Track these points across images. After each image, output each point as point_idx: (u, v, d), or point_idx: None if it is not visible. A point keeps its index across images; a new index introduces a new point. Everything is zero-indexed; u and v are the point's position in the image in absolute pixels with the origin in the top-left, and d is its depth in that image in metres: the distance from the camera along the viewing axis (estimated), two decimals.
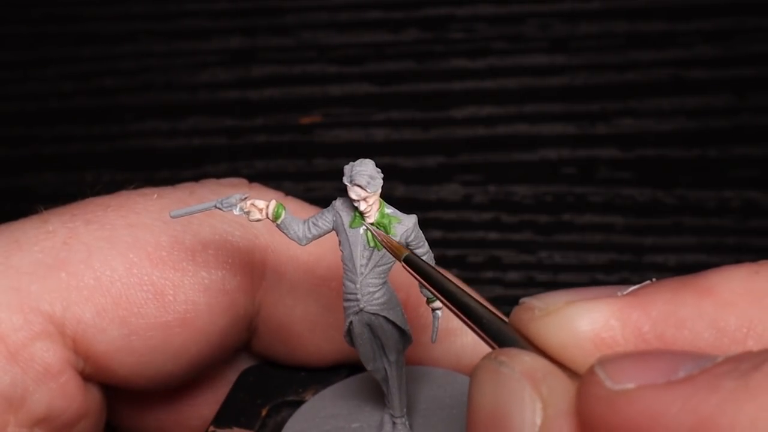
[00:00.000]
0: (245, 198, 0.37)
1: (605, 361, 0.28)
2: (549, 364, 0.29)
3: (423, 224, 0.37)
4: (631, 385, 0.27)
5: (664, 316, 0.29)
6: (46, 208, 0.43)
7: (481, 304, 0.32)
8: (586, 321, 0.30)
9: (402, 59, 0.81)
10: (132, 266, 0.41)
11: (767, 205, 0.76)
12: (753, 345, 0.29)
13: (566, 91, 0.79)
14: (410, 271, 0.35)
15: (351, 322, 0.38)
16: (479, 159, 0.79)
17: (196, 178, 0.47)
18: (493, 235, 0.78)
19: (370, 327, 0.38)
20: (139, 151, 0.82)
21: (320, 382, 0.45)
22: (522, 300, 0.31)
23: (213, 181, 0.46)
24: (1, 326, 0.39)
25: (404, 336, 0.38)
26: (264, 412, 0.44)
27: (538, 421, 0.28)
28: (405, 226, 0.37)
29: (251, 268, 0.44)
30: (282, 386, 0.45)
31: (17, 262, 0.40)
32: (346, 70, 0.81)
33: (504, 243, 0.77)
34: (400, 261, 0.35)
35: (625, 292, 0.30)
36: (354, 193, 0.36)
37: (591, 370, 0.28)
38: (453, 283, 0.33)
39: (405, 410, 0.40)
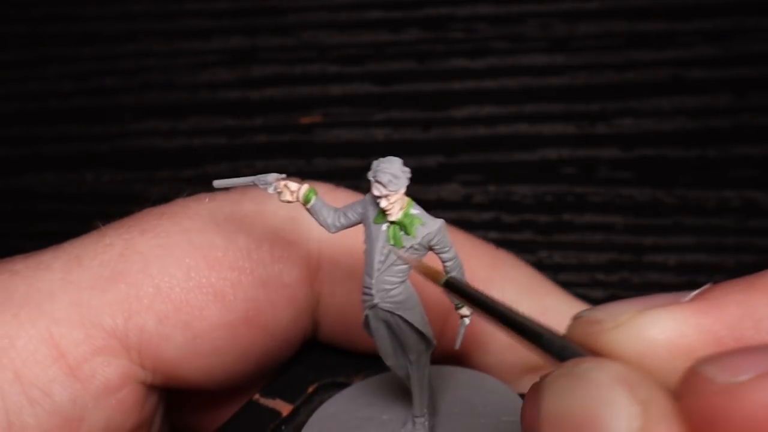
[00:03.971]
0: (281, 178, 0.38)
1: (709, 361, 0.27)
2: (638, 369, 0.29)
3: None
4: (746, 377, 0.26)
5: (739, 319, 0.29)
6: (103, 223, 0.43)
7: (534, 321, 0.31)
8: (659, 329, 0.29)
9: (402, 59, 0.81)
10: (189, 270, 0.42)
11: None
12: None
13: (566, 91, 0.79)
14: (453, 295, 0.34)
15: (366, 316, 0.38)
16: (479, 159, 0.79)
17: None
18: (493, 235, 0.77)
19: (388, 324, 0.38)
20: (139, 151, 0.82)
21: (371, 368, 0.45)
22: (579, 314, 0.31)
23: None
24: (62, 341, 0.39)
25: (425, 338, 0.38)
26: (311, 389, 0.44)
27: (636, 425, 0.27)
28: (428, 229, 0.36)
29: (307, 259, 0.44)
30: (336, 367, 0.45)
31: (77, 278, 0.41)
32: (346, 70, 0.81)
33: (504, 243, 0.77)
34: (439, 286, 0.35)
35: (688, 298, 0.30)
36: (376, 189, 0.36)
37: (694, 371, 0.27)
38: (501, 303, 0.33)
39: (425, 410, 0.40)
